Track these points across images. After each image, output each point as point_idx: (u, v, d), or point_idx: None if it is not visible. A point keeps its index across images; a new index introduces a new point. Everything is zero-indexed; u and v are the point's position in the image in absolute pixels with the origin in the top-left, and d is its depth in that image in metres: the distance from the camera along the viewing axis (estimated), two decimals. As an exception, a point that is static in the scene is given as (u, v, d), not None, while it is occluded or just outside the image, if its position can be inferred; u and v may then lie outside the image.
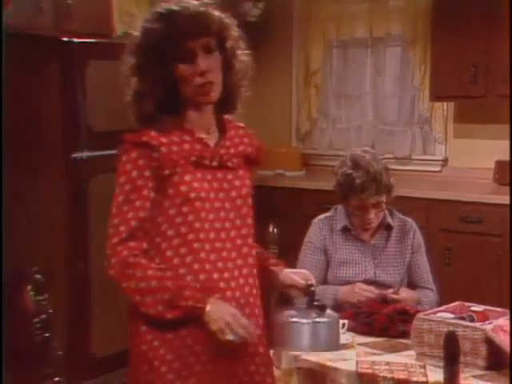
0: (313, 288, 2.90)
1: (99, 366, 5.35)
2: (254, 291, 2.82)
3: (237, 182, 2.77)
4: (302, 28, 7.50)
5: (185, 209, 2.67)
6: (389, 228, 4.18)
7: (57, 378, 3.28)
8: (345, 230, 4.15)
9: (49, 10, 5.31)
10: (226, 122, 2.83)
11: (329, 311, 3.03)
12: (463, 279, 4.54)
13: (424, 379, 3.14)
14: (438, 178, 6.89)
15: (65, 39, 5.21)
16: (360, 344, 3.53)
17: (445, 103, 6.86)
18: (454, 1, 6.25)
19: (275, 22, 7.42)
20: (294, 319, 2.89)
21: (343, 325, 3.63)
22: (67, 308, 5.02)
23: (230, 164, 2.76)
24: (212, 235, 2.70)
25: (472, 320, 3.37)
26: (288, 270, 3.01)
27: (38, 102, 5.30)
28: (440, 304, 3.85)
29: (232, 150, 2.78)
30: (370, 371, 3.21)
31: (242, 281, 2.77)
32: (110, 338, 5.43)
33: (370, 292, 3.91)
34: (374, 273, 4.11)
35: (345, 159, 4.14)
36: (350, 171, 4.03)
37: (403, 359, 3.34)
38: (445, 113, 6.94)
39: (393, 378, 3.16)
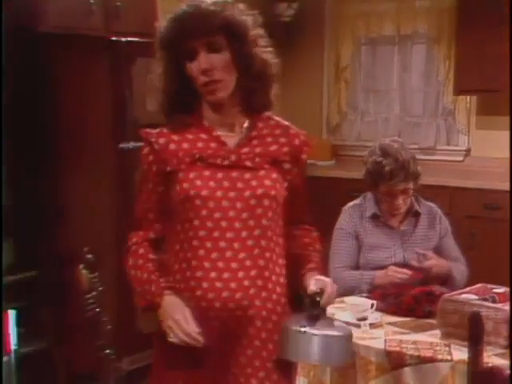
0: (318, 298, 2.56)
1: (145, 341, 5.39)
2: (264, 294, 2.60)
3: (254, 182, 2.59)
4: (332, 27, 7.51)
5: (187, 206, 2.57)
6: (416, 214, 4.18)
7: (107, 351, 3.34)
8: (374, 216, 4.16)
9: (99, 12, 5.36)
10: (260, 121, 2.66)
11: (338, 322, 2.82)
12: (486, 263, 4.55)
13: (449, 357, 3.14)
14: (461, 167, 6.87)
15: (113, 39, 5.25)
16: (388, 323, 3.54)
17: (468, 96, 6.85)
18: (477, 1, 6.24)
19: (308, 22, 7.42)
20: (301, 328, 2.54)
21: (372, 305, 3.67)
22: (116, 286, 5.06)
23: (248, 163, 2.59)
24: (216, 234, 2.56)
25: (494, 301, 3.37)
26: (316, 276, 2.66)
27: (88, 97, 5.33)
28: (464, 286, 3.85)
29: (258, 150, 2.61)
30: (397, 349, 3.22)
31: (247, 283, 2.56)
32: (155, 316, 5.51)
33: (403, 274, 3.92)
34: (403, 256, 4.10)
35: (374, 149, 4.15)
36: (380, 159, 4.05)
37: (429, 338, 3.34)
38: (468, 105, 6.93)
39: (419, 356, 3.16)
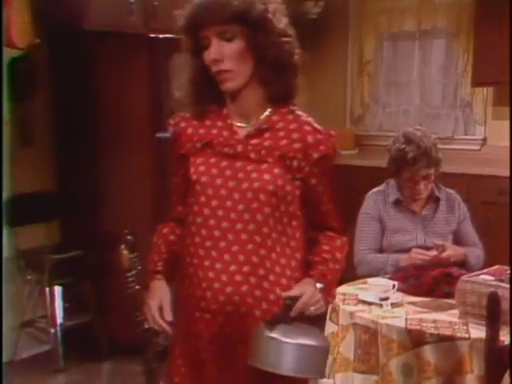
0: (288, 302, 2.32)
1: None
2: (258, 293, 2.40)
3: (253, 175, 2.38)
4: (356, 23, 7.50)
5: (192, 190, 2.45)
6: (437, 200, 4.18)
7: (146, 326, 3.39)
8: (397, 202, 4.16)
9: (138, 11, 5.39)
10: (278, 114, 2.44)
11: (318, 331, 2.50)
12: (501, 246, 4.54)
13: (466, 336, 3.12)
14: (477, 155, 6.85)
15: (152, 36, 5.27)
16: (409, 303, 3.53)
17: (484, 88, 6.82)
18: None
19: (333, 19, 7.41)
20: (271, 333, 2.29)
21: (393, 286, 3.67)
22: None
23: (253, 155, 2.39)
24: (212, 222, 2.40)
25: (510, 282, 3.32)
26: (307, 281, 2.42)
27: (129, 90, 5.38)
28: (481, 268, 3.81)
29: (267, 143, 2.40)
30: (417, 328, 3.20)
31: (239, 278, 2.38)
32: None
33: (425, 255, 3.90)
34: (424, 240, 4.10)
35: (398, 137, 4.15)
36: (403, 146, 4.04)
37: (448, 317, 3.32)
38: (484, 97, 6.91)
39: (438, 335, 3.15)
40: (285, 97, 2.44)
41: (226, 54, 2.33)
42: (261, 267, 2.39)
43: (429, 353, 3.15)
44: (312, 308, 2.35)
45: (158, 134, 5.29)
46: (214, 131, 2.46)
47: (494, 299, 2.77)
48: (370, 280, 3.83)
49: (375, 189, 4.29)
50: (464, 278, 3.42)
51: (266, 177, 2.37)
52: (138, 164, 5.41)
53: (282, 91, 2.42)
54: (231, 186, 2.39)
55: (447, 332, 3.18)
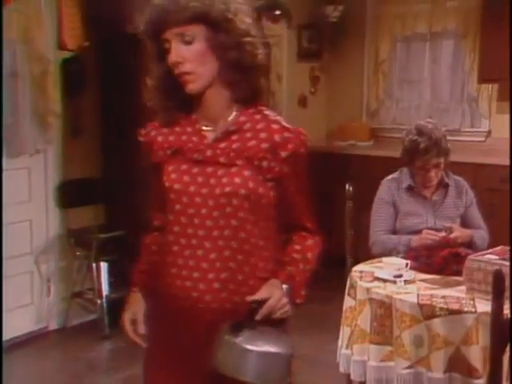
0: (254, 305, 2.10)
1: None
2: (237, 299, 2.17)
3: (224, 179, 2.12)
4: (372, 26, 7.45)
5: (167, 198, 2.21)
6: (446, 186, 4.16)
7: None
8: (409, 188, 4.14)
9: (176, 14, 5.40)
10: (245, 114, 2.18)
11: (283, 336, 2.19)
12: (504, 228, 4.51)
13: (473, 310, 3.12)
14: (482, 146, 6.81)
15: (188, 37, 5.29)
16: (420, 280, 3.51)
17: (489, 85, 6.77)
18: (500, 2, 6.15)
19: (351, 22, 7.38)
20: (232, 338, 2.06)
21: (406, 264, 3.66)
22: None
23: (222, 159, 2.13)
24: (190, 231, 2.16)
25: (510, 260, 3.28)
26: (273, 283, 2.18)
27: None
28: (486, 248, 3.78)
29: (235, 145, 2.14)
30: (428, 302, 3.19)
31: (217, 285, 2.15)
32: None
33: (435, 236, 3.89)
34: (434, 222, 4.08)
35: (410, 129, 4.13)
36: (416, 137, 4.02)
37: (456, 293, 3.31)
38: (489, 93, 6.86)
39: (447, 309, 3.14)
40: (251, 97, 2.18)
41: (186, 55, 2.08)
42: (239, 273, 2.18)
43: (438, 325, 3.15)
44: (278, 312, 2.12)
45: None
46: (184, 137, 2.19)
47: (498, 276, 2.75)
48: (384, 259, 3.83)
49: (390, 176, 4.27)
50: (471, 257, 3.42)
51: (237, 180, 2.12)
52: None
53: (247, 92, 2.16)
54: (204, 193, 2.14)
55: (455, 306, 3.17)
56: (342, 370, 3.57)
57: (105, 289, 5.48)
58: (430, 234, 3.92)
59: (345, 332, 3.55)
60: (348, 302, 3.58)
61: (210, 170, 2.15)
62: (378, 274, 3.56)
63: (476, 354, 3.10)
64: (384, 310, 3.30)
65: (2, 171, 4.84)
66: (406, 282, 3.46)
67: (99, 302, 5.43)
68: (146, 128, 2.32)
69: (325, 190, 6.77)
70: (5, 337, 4.67)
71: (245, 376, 2.05)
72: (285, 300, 2.14)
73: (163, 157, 2.23)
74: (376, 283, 3.46)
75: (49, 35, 5.26)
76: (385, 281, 3.47)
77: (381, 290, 3.37)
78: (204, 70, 2.10)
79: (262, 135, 2.15)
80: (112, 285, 5.58)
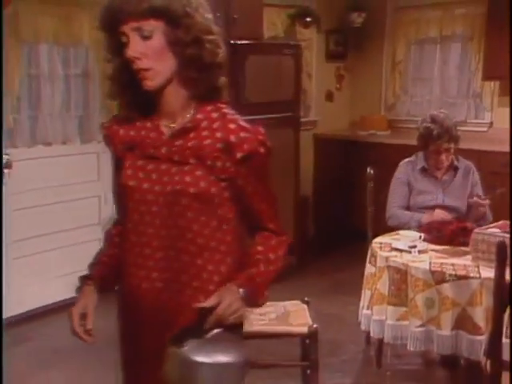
0: (203, 313, 1.76)
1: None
2: (180, 300, 1.87)
3: (176, 178, 1.81)
4: (390, 31, 7.37)
5: (121, 194, 1.93)
6: (455, 169, 4.14)
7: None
8: (423, 169, 4.14)
9: (222, 22, 5.37)
10: (204, 112, 1.85)
11: (235, 343, 1.80)
12: (504, 205, 4.48)
13: (478, 275, 3.15)
14: (485, 135, 6.72)
15: (232, 42, 5.22)
16: (432, 250, 3.53)
17: (492, 82, 6.70)
18: (503, 9, 6.07)
19: (372, 27, 7.31)
20: (186, 351, 1.69)
21: (420, 236, 3.68)
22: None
23: (176, 157, 1.82)
24: (141, 228, 1.86)
25: (510, 232, 3.30)
26: (228, 288, 1.83)
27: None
28: (489, 223, 3.80)
29: (191, 143, 1.81)
30: (439, 269, 3.22)
31: (159, 284, 1.86)
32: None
33: (444, 214, 3.89)
34: (443, 200, 4.07)
35: (425, 118, 4.12)
36: (429, 125, 4.02)
37: (463, 261, 3.34)
38: (492, 89, 6.76)
39: (455, 275, 3.17)
40: (210, 95, 1.86)
41: (144, 51, 1.76)
42: (184, 274, 1.86)
43: (447, 289, 3.17)
44: (230, 318, 1.79)
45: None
46: (143, 132, 1.88)
47: (501, 246, 2.77)
48: (401, 232, 3.85)
49: (406, 159, 4.27)
50: (476, 230, 3.44)
51: (188, 179, 1.81)
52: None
53: (206, 90, 1.84)
54: (157, 190, 1.83)
55: (462, 272, 3.20)
56: (363, 328, 3.60)
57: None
58: (441, 213, 3.92)
59: (366, 295, 3.57)
60: (369, 269, 3.60)
61: (164, 167, 1.84)
62: (396, 244, 3.58)
63: (480, 314, 3.12)
64: (400, 276, 3.33)
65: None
66: (419, 251, 3.48)
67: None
68: (109, 121, 1.99)
69: (348, 173, 6.80)
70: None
71: None
72: (236, 305, 1.79)
73: (122, 151, 1.92)
74: (393, 253, 3.48)
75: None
76: (401, 251, 3.50)
77: (398, 259, 3.40)
78: (162, 67, 1.79)
79: (218, 134, 1.81)
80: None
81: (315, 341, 3.34)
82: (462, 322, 3.16)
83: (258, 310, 3.59)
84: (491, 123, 6.86)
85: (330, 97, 7.42)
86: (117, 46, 1.80)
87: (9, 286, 4.71)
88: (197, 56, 1.78)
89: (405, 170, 4.19)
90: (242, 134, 1.81)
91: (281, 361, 3.81)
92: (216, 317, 1.77)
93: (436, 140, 3.99)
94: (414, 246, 3.52)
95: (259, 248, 1.94)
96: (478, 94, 6.93)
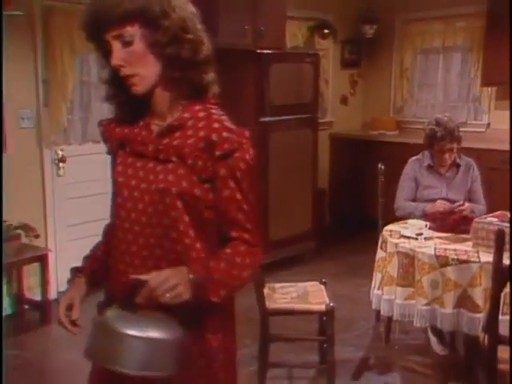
0: (137, 284, 1.50)
1: (274, 245, 5.46)
2: None
3: (161, 176, 1.61)
4: (399, 41, 7.33)
5: (112, 191, 1.75)
6: (458, 166, 4.12)
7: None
8: (429, 166, 4.11)
9: (249, 34, 5.39)
10: (190, 111, 1.64)
11: (172, 321, 1.52)
12: (502, 199, 4.46)
13: (477, 260, 3.12)
14: (484, 135, 6.68)
15: (258, 51, 5.29)
16: (437, 237, 3.50)
17: (489, 88, 6.66)
18: (499, 23, 6.03)
19: (383, 38, 7.29)
20: (113, 323, 1.46)
21: (426, 225, 3.66)
22: (261, 212, 5.17)
23: (161, 155, 1.62)
24: (127, 225, 1.66)
25: (510, 222, 3.28)
26: (177, 268, 1.57)
27: (243, 88, 5.39)
28: (487, 212, 3.78)
29: (176, 142, 1.61)
30: (443, 254, 3.19)
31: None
32: (282, 225, 5.64)
33: (445, 205, 3.86)
34: (446, 193, 4.05)
35: (431, 121, 4.10)
36: (434, 127, 4.00)
37: (464, 247, 3.30)
38: (489, 94, 6.73)
39: (457, 259, 3.14)
40: (196, 94, 1.66)
41: (127, 58, 1.58)
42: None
43: (450, 272, 3.15)
44: (167, 295, 1.50)
45: (262, 118, 5.33)
46: (136, 130, 1.69)
47: (500, 234, 2.78)
48: (409, 221, 3.84)
49: (414, 157, 4.24)
50: (476, 219, 3.41)
51: (170, 178, 1.60)
52: (248, 139, 5.41)
53: (192, 88, 1.65)
54: (143, 188, 1.64)
55: (464, 257, 3.18)
56: (373, 306, 3.58)
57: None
58: (443, 204, 3.90)
59: (377, 277, 3.56)
60: (380, 254, 3.59)
61: (151, 165, 1.64)
62: (404, 232, 3.56)
63: (479, 294, 3.10)
64: (408, 260, 3.31)
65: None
66: (425, 238, 3.46)
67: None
68: (107, 120, 1.79)
69: (361, 168, 6.80)
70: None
71: (122, 365, 1.43)
72: (173, 282, 1.51)
73: (116, 148, 1.74)
74: (402, 239, 3.46)
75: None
76: (409, 238, 3.48)
77: (406, 245, 3.38)
78: (147, 71, 1.60)
79: (201, 133, 1.61)
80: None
81: (331, 318, 3.36)
82: (463, 302, 3.14)
83: (280, 290, 3.63)
84: (489, 124, 6.81)
85: (344, 100, 7.41)
86: (106, 52, 1.63)
87: (60, 267, 4.79)
88: (176, 55, 1.59)
89: (412, 167, 4.17)
90: (225, 134, 1.60)
91: (301, 335, 3.84)
92: (149, 289, 1.50)
93: (440, 141, 3.97)
94: (421, 234, 3.51)
95: (227, 250, 1.64)
96: (477, 98, 6.89)
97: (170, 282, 1.51)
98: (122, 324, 1.46)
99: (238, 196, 1.63)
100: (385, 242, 3.54)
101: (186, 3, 1.63)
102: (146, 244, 1.63)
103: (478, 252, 3.23)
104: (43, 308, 4.43)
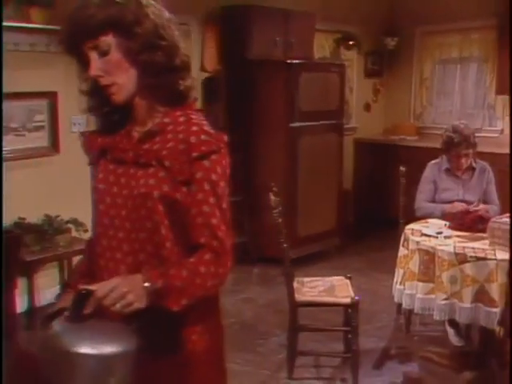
0: (84, 292, 1.32)
1: (302, 241, 5.46)
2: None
3: (142, 181, 1.48)
4: (419, 52, 7.25)
5: (93, 198, 1.61)
6: (473, 169, 4.05)
7: (284, 245, 3.41)
8: (447, 170, 4.05)
9: (281, 46, 5.40)
10: (170, 116, 1.52)
11: (126, 332, 1.32)
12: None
13: (494, 257, 3.08)
14: (497, 140, 6.55)
15: (288, 61, 5.25)
16: (456, 236, 3.45)
17: (503, 96, 6.53)
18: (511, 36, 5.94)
19: (403, 49, 7.21)
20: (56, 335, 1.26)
21: (445, 224, 3.61)
22: (290, 206, 5.14)
23: (142, 160, 1.50)
24: (111, 232, 1.52)
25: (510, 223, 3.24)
26: (129, 277, 1.42)
27: (274, 96, 5.36)
28: (501, 213, 3.73)
29: (156, 147, 1.49)
30: (462, 252, 3.15)
31: None
32: (309, 223, 5.59)
33: (462, 206, 3.79)
34: (463, 195, 3.99)
35: (448, 127, 4.03)
36: (451, 134, 3.94)
37: (482, 245, 3.25)
38: (503, 102, 6.63)
39: (475, 256, 3.10)
40: (175, 100, 1.53)
41: (104, 68, 1.47)
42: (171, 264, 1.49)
43: (468, 268, 3.10)
44: (117, 305, 1.34)
45: (291, 124, 5.29)
46: (117, 138, 1.56)
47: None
48: (429, 220, 3.79)
49: (433, 161, 4.18)
50: (493, 219, 3.37)
51: (151, 182, 1.48)
52: (278, 142, 5.37)
53: (170, 94, 1.52)
54: (125, 194, 1.51)
55: (481, 254, 3.13)
56: (395, 300, 3.54)
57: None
58: (459, 205, 3.82)
59: (399, 273, 3.52)
60: (402, 251, 3.54)
61: (132, 171, 1.52)
62: (425, 231, 3.51)
63: (495, 290, 3.05)
64: (429, 257, 3.26)
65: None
66: (445, 237, 3.41)
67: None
68: (90, 132, 1.66)
69: (382, 171, 6.71)
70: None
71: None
72: (122, 290, 1.35)
73: (97, 157, 1.61)
74: (423, 238, 3.42)
75: (195, 61, 5.30)
76: (430, 236, 3.43)
77: (427, 243, 3.33)
78: (125, 80, 1.48)
79: (180, 136, 1.49)
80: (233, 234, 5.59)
81: (356, 310, 3.32)
82: (480, 296, 3.09)
83: (309, 284, 3.60)
84: (502, 130, 6.70)
85: (367, 107, 7.35)
86: (84, 64, 1.50)
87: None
88: (151, 62, 1.47)
89: (431, 170, 4.11)
90: (203, 137, 1.48)
91: (327, 326, 3.80)
92: (94, 300, 1.34)
93: (456, 147, 3.91)
94: (441, 232, 3.46)
95: (191, 259, 1.47)
96: (491, 105, 6.80)
97: (118, 291, 1.35)
98: (70, 340, 1.22)
99: (212, 200, 1.48)
100: (407, 239, 3.49)
101: (160, 10, 1.51)
102: (130, 250, 1.50)
103: (494, 250, 3.17)
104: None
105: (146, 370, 1.40)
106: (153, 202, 1.46)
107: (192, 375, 1.52)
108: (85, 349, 1.21)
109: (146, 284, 1.38)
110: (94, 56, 1.47)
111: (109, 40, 1.45)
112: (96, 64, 1.47)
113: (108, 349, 1.22)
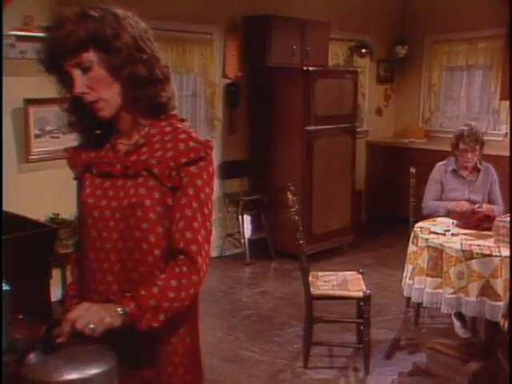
0: (52, 324, 1.25)
1: (317, 238, 5.44)
2: None
3: (131, 191, 1.42)
4: (427, 60, 7.17)
5: (79, 213, 1.54)
6: (478, 170, 4.02)
7: (301, 241, 3.40)
8: (453, 171, 4.01)
9: (298, 53, 5.37)
10: (156, 127, 1.46)
11: (100, 354, 1.22)
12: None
13: (499, 254, 3.05)
14: (501, 143, 6.45)
15: (305, 68, 5.22)
16: (463, 234, 3.41)
17: (507, 101, 6.44)
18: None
19: (413, 57, 7.14)
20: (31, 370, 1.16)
21: (453, 222, 3.57)
22: (306, 205, 5.13)
23: (130, 172, 1.43)
24: (98, 244, 1.45)
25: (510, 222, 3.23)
26: (102, 306, 1.32)
27: (291, 101, 5.33)
28: (505, 212, 3.69)
29: (144, 157, 1.43)
30: (468, 249, 3.12)
31: (119, 296, 1.37)
32: (324, 221, 5.57)
33: (467, 205, 3.76)
34: (468, 195, 3.95)
35: (459, 126, 4.06)
36: (462, 127, 3.96)
37: (487, 243, 3.22)
38: (507, 107, 6.53)
39: (481, 253, 3.07)
40: (159, 110, 1.47)
41: (88, 84, 1.39)
42: (141, 284, 1.39)
43: (475, 264, 3.08)
44: (90, 326, 1.25)
45: (307, 127, 5.26)
46: (102, 152, 1.50)
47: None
48: (438, 219, 3.76)
49: (440, 162, 4.14)
50: (498, 218, 3.33)
51: (142, 191, 1.42)
52: (295, 144, 5.34)
53: (153, 106, 1.45)
54: (114, 206, 1.44)
55: (487, 251, 3.10)
56: (405, 294, 3.52)
57: (247, 232, 5.50)
58: (464, 205, 3.79)
59: (409, 268, 3.49)
60: (411, 248, 3.51)
61: (120, 183, 1.45)
62: (433, 229, 3.48)
63: (500, 285, 3.03)
64: (437, 254, 3.24)
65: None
66: (452, 235, 3.38)
67: (243, 241, 5.46)
68: (73, 147, 1.57)
69: (393, 172, 6.66)
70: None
71: None
72: (86, 320, 1.26)
73: (82, 172, 1.53)
74: (432, 235, 3.39)
75: (217, 68, 5.31)
76: (438, 234, 3.40)
77: (435, 240, 3.30)
78: (109, 95, 1.40)
79: (169, 145, 1.43)
80: (252, 230, 5.59)
81: (368, 303, 3.31)
82: (486, 291, 3.06)
83: (323, 278, 3.59)
84: (506, 134, 6.59)
85: (379, 112, 7.29)
86: (66, 81, 1.41)
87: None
88: (133, 75, 1.39)
89: (438, 171, 4.08)
90: (192, 144, 1.43)
91: (340, 318, 3.79)
92: (60, 331, 1.25)
93: (465, 138, 3.88)
94: (448, 230, 3.42)
95: (161, 276, 1.39)
96: (496, 110, 6.72)
97: (82, 320, 1.26)
98: (53, 369, 1.14)
99: (194, 205, 1.41)
100: (416, 237, 3.46)
101: (137, 21, 1.43)
102: (117, 259, 1.44)
103: (499, 247, 3.14)
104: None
105: (131, 381, 1.37)
106: (143, 210, 1.41)
107: (173, 378, 1.49)
108: (71, 375, 1.13)
109: (119, 309, 1.32)
110: (77, 73, 1.38)
111: (90, 56, 1.37)
112: (80, 81, 1.38)
113: (93, 370, 1.16)
